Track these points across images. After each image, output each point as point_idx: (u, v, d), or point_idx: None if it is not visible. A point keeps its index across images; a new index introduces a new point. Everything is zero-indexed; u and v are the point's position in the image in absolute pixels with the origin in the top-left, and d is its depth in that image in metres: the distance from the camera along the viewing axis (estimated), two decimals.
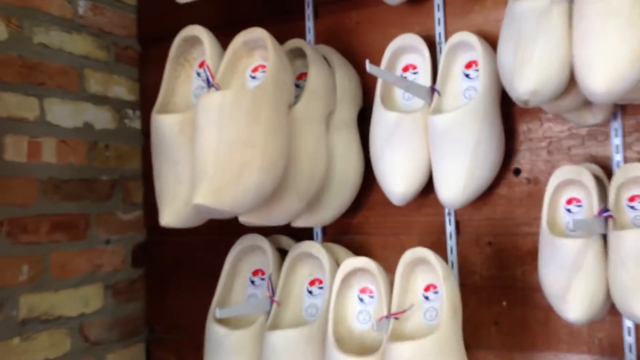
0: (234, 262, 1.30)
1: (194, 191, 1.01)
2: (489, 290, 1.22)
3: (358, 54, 1.34)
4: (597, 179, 1.09)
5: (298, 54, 1.27)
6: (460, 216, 1.25)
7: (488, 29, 1.22)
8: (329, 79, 1.24)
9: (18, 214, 1.33)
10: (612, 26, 0.90)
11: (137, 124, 1.61)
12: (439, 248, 1.24)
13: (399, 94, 1.25)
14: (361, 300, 1.17)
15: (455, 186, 1.12)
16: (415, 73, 1.24)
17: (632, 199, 1.05)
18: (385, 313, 1.09)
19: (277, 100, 1.10)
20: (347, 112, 1.27)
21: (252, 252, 1.31)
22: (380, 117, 1.19)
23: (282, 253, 1.29)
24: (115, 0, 1.59)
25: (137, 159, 1.61)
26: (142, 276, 1.60)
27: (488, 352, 1.22)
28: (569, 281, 1.01)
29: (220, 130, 1.03)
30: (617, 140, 1.12)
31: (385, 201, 1.23)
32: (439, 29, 1.26)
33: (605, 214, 1.03)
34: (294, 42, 1.26)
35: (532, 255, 1.17)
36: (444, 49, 1.19)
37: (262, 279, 1.30)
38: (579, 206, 1.09)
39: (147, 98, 1.59)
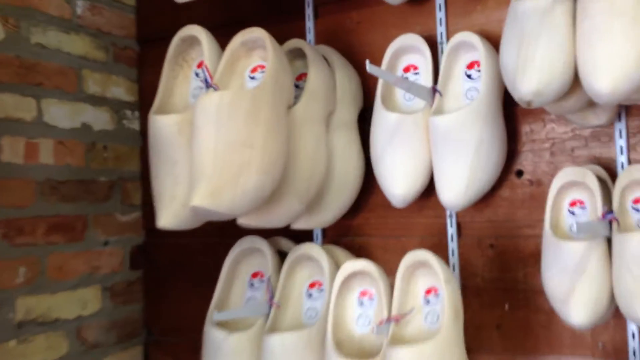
0: (233, 265, 1.29)
1: (192, 193, 1.01)
2: (491, 293, 1.21)
3: (359, 54, 1.34)
4: (601, 181, 1.08)
5: (298, 55, 1.26)
6: (462, 218, 1.24)
7: (490, 29, 1.21)
8: (329, 79, 1.23)
9: (15, 216, 1.32)
10: (617, 25, 0.90)
11: (135, 125, 1.61)
12: (440, 250, 1.23)
13: (399, 94, 1.24)
14: (361, 303, 1.16)
15: (457, 188, 1.11)
16: (416, 73, 1.24)
17: (636, 201, 1.04)
18: (385, 316, 1.08)
19: (276, 101, 1.09)
20: (347, 112, 1.26)
21: (251, 255, 1.30)
22: (381, 118, 1.19)
23: (282, 255, 1.29)
24: (114, 0, 1.58)
25: (136, 160, 1.60)
26: (140, 278, 1.59)
27: (490, 356, 1.21)
28: (573, 285, 1.00)
29: (219, 131, 1.03)
30: (621, 142, 1.11)
31: (385, 203, 1.22)
32: (441, 29, 1.25)
33: (610, 217, 1.02)
34: (293, 43, 1.25)
35: (534, 258, 1.16)
36: (446, 49, 1.19)
37: (262, 282, 1.29)
38: (583, 208, 1.09)
39: (146, 99, 1.58)
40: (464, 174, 1.10)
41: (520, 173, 1.20)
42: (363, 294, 1.16)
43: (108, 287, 1.50)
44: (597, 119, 1.08)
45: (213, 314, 1.18)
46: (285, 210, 1.15)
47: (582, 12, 0.94)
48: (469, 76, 1.18)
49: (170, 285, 1.56)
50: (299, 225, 1.24)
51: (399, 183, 1.15)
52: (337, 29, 1.37)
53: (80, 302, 1.44)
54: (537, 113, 1.18)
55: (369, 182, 1.27)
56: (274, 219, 1.16)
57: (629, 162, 1.10)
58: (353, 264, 1.14)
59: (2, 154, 1.31)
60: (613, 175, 1.10)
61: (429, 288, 1.10)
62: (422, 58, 1.23)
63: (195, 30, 1.17)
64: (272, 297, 1.21)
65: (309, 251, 1.22)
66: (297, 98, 1.18)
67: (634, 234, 0.98)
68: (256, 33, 1.14)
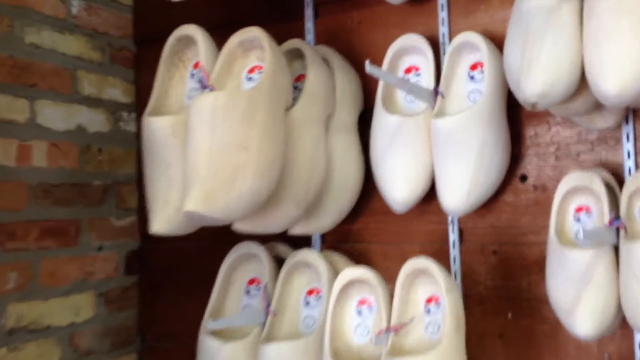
0: (229, 271, 1.28)
1: (185, 198, 0.99)
2: (494, 301, 1.20)
3: (359, 55, 1.33)
4: (608, 186, 1.06)
5: (297, 55, 1.25)
6: (464, 224, 1.23)
7: (494, 29, 1.20)
8: (328, 80, 1.22)
9: (6, 220, 1.30)
10: (625, 24, 0.88)
11: (132, 127, 1.59)
12: (442, 257, 1.22)
13: (400, 96, 1.23)
14: (360, 312, 1.14)
15: (459, 192, 1.10)
16: (418, 75, 1.22)
17: None
18: (384, 326, 1.06)
19: (274, 102, 1.08)
20: (347, 114, 1.25)
21: (248, 261, 1.29)
22: (382, 121, 1.17)
23: (279, 261, 1.27)
24: (111, 0, 1.57)
25: (132, 163, 1.58)
26: (135, 284, 1.57)
27: None
28: (579, 294, 0.98)
29: (213, 133, 1.01)
30: (628, 146, 1.09)
31: (386, 208, 1.21)
32: (443, 29, 1.24)
33: (617, 223, 1.00)
34: (292, 43, 1.24)
35: (539, 265, 1.14)
36: (448, 49, 1.18)
37: (258, 289, 1.28)
38: (589, 215, 1.07)
39: (142, 100, 1.56)
40: (466, 178, 1.09)
41: (524, 178, 1.18)
42: (362, 302, 1.14)
43: (102, 293, 1.49)
44: (604, 121, 1.06)
45: (207, 322, 1.15)
46: (282, 215, 1.14)
47: (589, 10, 0.93)
48: (471, 77, 1.17)
49: (165, 291, 1.55)
50: (297, 230, 1.22)
51: (399, 187, 1.14)
52: (337, 29, 1.36)
53: (73, 309, 1.42)
54: (541, 115, 1.17)
55: (368, 186, 1.26)
56: (270, 225, 1.14)
57: (637, 166, 1.09)
58: (352, 272, 1.12)
59: None
60: (620, 181, 1.09)
61: (429, 297, 1.09)
62: (423, 59, 1.22)
63: (191, 30, 1.16)
64: (268, 305, 1.19)
65: (306, 257, 1.21)
66: (295, 99, 1.17)
67: None
68: (254, 33, 1.13)
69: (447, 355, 0.98)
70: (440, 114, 1.14)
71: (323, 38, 1.36)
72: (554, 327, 1.13)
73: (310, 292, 1.22)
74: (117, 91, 1.56)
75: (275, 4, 1.42)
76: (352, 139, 1.25)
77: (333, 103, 1.22)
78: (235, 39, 1.14)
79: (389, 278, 1.13)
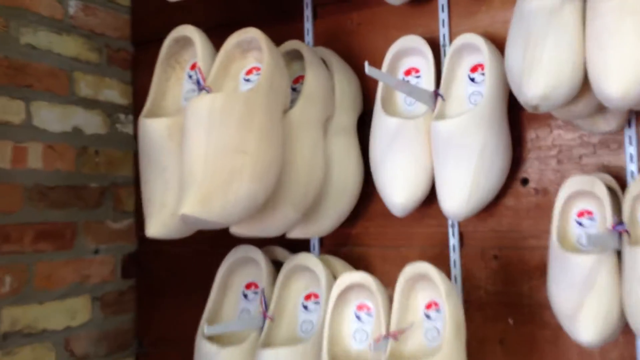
0: (226, 275, 1.27)
1: (181, 201, 0.98)
2: (495, 307, 1.19)
3: (358, 57, 1.32)
4: (611, 190, 1.05)
5: (295, 56, 1.24)
6: (464, 228, 1.22)
7: (495, 31, 1.19)
8: (327, 82, 1.21)
9: (1, 222, 1.30)
10: (629, 25, 0.87)
11: (129, 129, 1.58)
12: (442, 261, 1.21)
13: (400, 98, 1.22)
14: (358, 317, 1.13)
15: (460, 196, 1.09)
16: (418, 77, 1.22)
17: None
18: (383, 332, 1.05)
19: (271, 105, 1.07)
20: (346, 117, 1.24)
21: (245, 264, 1.28)
22: (381, 123, 1.17)
23: (277, 265, 1.27)
24: (108, 1, 1.57)
25: (129, 165, 1.58)
26: (132, 287, 1.56)
27: None
28: (581, 300, 0.96)
29: (210, 136, 1.00)
30: (631, 149, 1.08)
31: (385, 211, 1.20)
32: (443, 31, 1.23)
33: (620, 228, 0.99)
34: (290, 44, 1.24)
35: (540, 270, 1.13)
36: (449, 51, 1.17)
37: (256, 293, 1.27)
38: (591, 219, 1.06)
39: (140, 102, 1.55)
40: (466, 181, 1.08)
41: (525, 181, 1.17)
42: (360, 307, 1.13)
43: (98, 297, 1.48)
44: (606, 124, 1.05)
45: (204, 327, 1.14)
46: (280, 219, 1.13)
47: (591, 10, 0.92)
48: (472, 80, 1.16)
49: (162, 295, 1.54)
50: (295, 234, 1.21)
51: (399, 191, 1.13)
52: (336, 30, 1.36)
53: (69, 313, 1.41)
54: (543, 118, 1.16)
55: (368, 189, 1.25)
56: (268, 228, 1.13)
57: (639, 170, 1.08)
58: (350, 276, 1.11)
59: None
60: (622, 185, 1.08)
61: (429, 302, 1.08)
62: (423, 60, 1.21)
63: (188, 31, 1.15)
64: (266, 310, 1.18)
65: (305, 261, 1.20)
66: (293, 102, 1.16)
67: None
68: (251, 34, 1.12)
69: None
70: (441, 116, 1.13)
71: (322, 39, 1.36)
72: (556, 333, 1.12)
73: (308, 297, 1.21)
74: (114, 92, 1.55)
75: (274, 5, 1.41)
76: (351, 142, 1.24)
77: (332, 105, 1.21)
78: (232, 40, 1.13)
79: (388, 282, 1.12)
